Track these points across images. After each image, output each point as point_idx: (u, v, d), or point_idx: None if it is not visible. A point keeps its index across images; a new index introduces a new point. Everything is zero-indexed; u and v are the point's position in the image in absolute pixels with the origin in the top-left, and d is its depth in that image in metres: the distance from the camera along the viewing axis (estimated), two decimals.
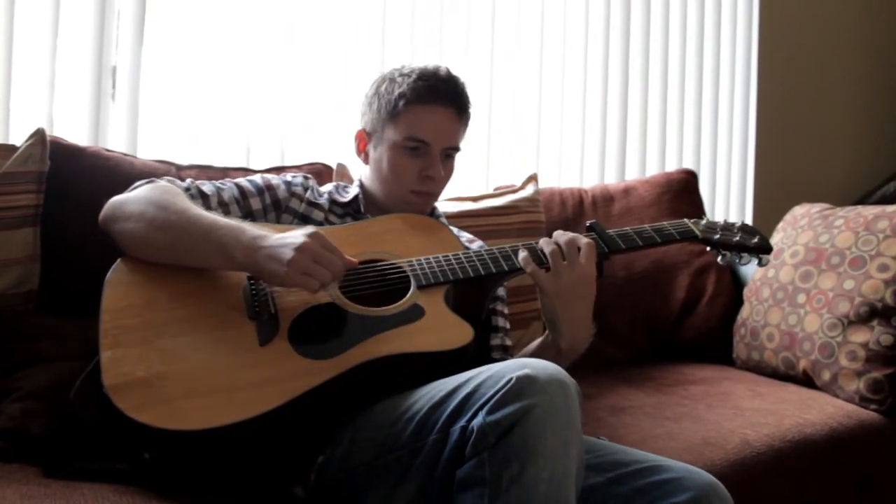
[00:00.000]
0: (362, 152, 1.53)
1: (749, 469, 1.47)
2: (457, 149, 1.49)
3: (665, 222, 1.47)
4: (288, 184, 1.48)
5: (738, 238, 1.45)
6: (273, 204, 1.45)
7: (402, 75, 1.46)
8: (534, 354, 1.36)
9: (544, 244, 1.31)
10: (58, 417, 1.25)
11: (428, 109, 1.43)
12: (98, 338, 1.15)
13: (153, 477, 1.14)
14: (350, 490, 1.13)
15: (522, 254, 1.31)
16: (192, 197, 1.34)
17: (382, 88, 1.47)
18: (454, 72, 1.49)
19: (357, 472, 1.13)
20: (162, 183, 1.34)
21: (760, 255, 1.45)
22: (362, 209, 1.50)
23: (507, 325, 1.54)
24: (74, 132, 1.78)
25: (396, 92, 1.43)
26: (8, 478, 1.14)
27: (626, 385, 1.85)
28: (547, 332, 1.35)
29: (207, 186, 1.40)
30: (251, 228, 1.21)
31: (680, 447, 1.47)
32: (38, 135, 1.53)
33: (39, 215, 1.50)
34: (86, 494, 1.09)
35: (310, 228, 1.19)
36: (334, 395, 1.14)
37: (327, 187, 1.56)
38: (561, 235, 1.31)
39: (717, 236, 1.45)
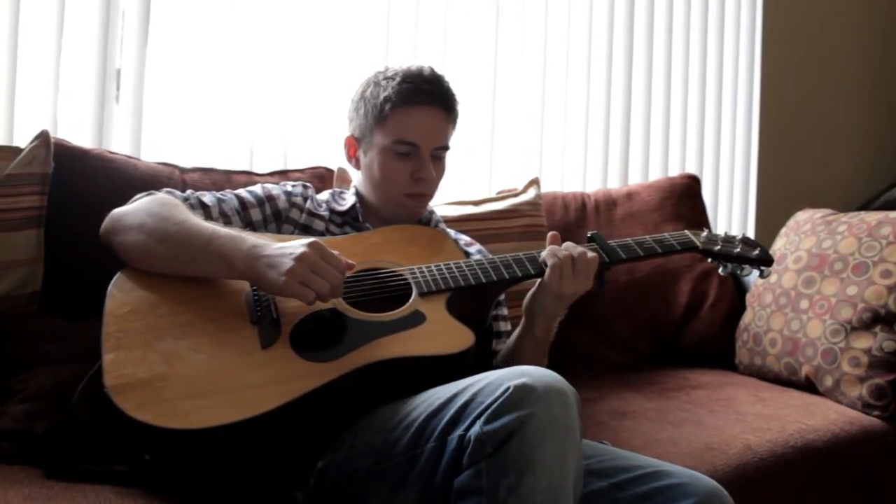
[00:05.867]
0: (353, 158, 1.53)
1: (752, 475, 1.47)
2: (446, 148, 1.49)
3: (666, 233, 1.48)
4: (288, 194, 1.48)
5: (738, 250, 1.46)
6: (273, 215, 1.45)
7: (385, 78, 1.46)
8: (515, 346, 1.42)
9: (559, 252, 1.32)
10: (60, 419, 1.25)
11: (414, 111, 1.43)
12: (101, 341, 1.15)
13: (154, 479, 1.14)
14: (350, 495, 1.13)
15: (551, 260, 1.32)
16: (192, 207, 1.35)
17: (368, 93, 1.47)
18: (438, 70, 1.49)
19: (356, 477, 1.13)
20: (161, 194, 1.35)
21: (761, 267, 1.46)
22: (360, 218, 1.50)
23: (509, 328, 1.54)
24: (78, 134, 1.78)
25: (382, 96, 1.44)
26: (11, 479, 1.15)
27: (627, 389, 1.85)
28: (523, 321, 1.40)
29: (208, 197, 1.41)
30: (251, 238, 1.22)
31: (682, 452, 1.47)
32: (42, 137, 1.54)
33: (43, 217, 1.51)
34: (88, 496, 1.10)
35: (310, 238, 1.19)
36: (334, 397, 1.15)
37: (324, 195, 1.56)
38: (574, 249, 1.33)
39: (718, 248, 1.46)
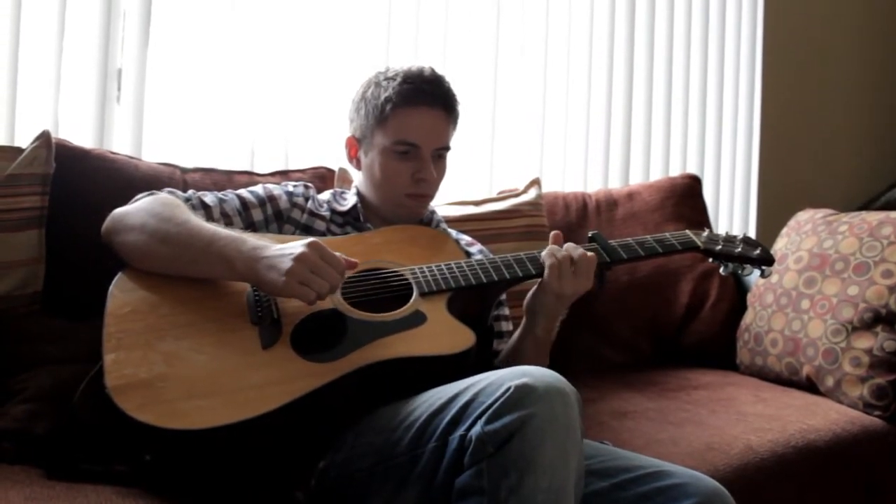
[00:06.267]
0: (354, 158, 1.53)
1: (753, 475, 1.47)
2: (447, 148, 1.49)
3: (667, 233, 1.48)
4: (290, 194, 1.48)
5: (739, 249, 1.46)
6: (275, 215, 1.45)
7: (386, 79, 1.46)
8: (516, 345, 1.42)
9: (557, 253, 1.32)
10: (61, 420, 1.25)
11: (415, 112, 1.43)
12: (101, 341, 1.15)
13: (154, 479, 1.14)
14: (351, 495, 1.13)
15: (549, 261, 1.32)
16: (194, 207, 1.35)
17: (368, 93, 1.47)
18: (439, 71, 1.49)
19: (358, 477, 1.13)
20: (162, 195, 1.35)
21: (763, 267, 1.46)
22: (361, 218, 1.50)
23: (511, 328, 1.55)
24: (79, 134, 1.79)
25: (382, 96, 1.44)
26: (12, 479, 1.15)
27: (628, 389, 1.85)
28: (525, 321, 1.39)
29: (209, 197, 1.41)
30: (251, 239, 1.22)
31: (683, 452, 1.46)
32: (44, 137, 1.54)
33: (44, 217, 1.51)
34: (89, 496, 1.10)
35: (309, 239, 1.19)
36: (335, 398, 1.15)
37: (325, 196, 1.56)
38: (574, 249, 1.33)
39: (720, 247, 1.46)
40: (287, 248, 1.17)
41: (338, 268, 1.18)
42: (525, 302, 1.38)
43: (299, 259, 1.15)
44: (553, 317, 1.37)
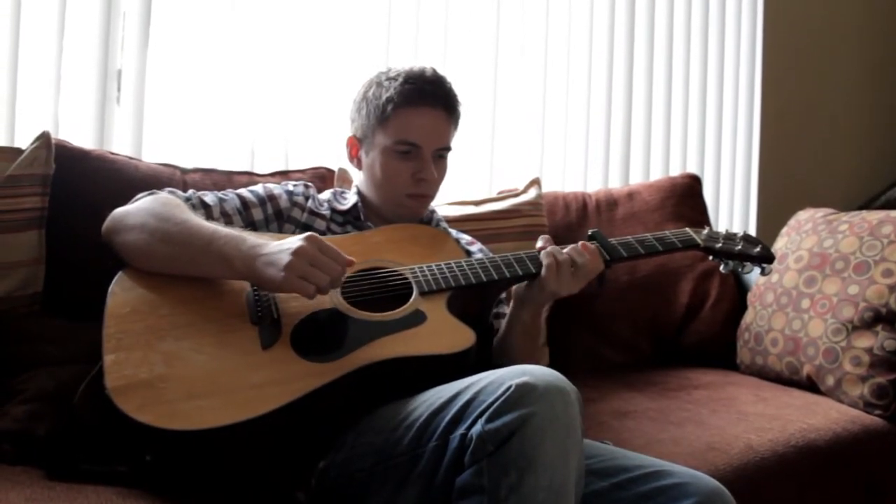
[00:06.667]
0: (355, 158, 1.53)
1: (753, 474, 1.47)
2: (448, 148, 1.49)
3: (667, 231, 1.48)
4: (290, 193, 1.48)
5: (739, 247, 1.46)
6: (275, 214, 1.45)
7: (388, 79, 1.46)
8: (505, 334, 1.42)
9: (558, 254, 1.32)
10: (61, 420, 1.25)
11: (416, 112, 1.44)
12: (101, 342, 1.15)
13: (155, 480, 1.14)
14: (351, 495, 1.14)
15: (547, 260, 1.32)
16: (194, 207, 1.35)
17: (370, 93, 1.47)
18: (440, 71, 1.50)
19: (358, 477, 1.13)
20: (163, 194, 1.35)
21: (763, 265, 1.46)
22: (362, 217, 1.50)
23: None
24: (79, 135, 1.79)
25: (384, 96, 1.44)
26: (12, 480, 1.15)
27: (629, 389, 1.84)
28: (512, 308, 1.40)
29: (209, 197, 1.41)
30: (251, 238, 1.22)
31: (684, 452, 1.46)
32: (44, 137, 1.54)
33: (45, 218, 1.51)
34: (89, 497, 1.10)
35: (307, 233, 1.19)
36: (336, 398, 1.15)
37: (325, 195, 1.56)
38: (579, 255, 1.33)
39: (720, 245, 1.46)
40: (285, 244, 1.17)
41: (338, 260, 1.17)
42: (514, 289, 1.38)
43: (297, 253, 1.15)
44: (540, 306, 1.37)
